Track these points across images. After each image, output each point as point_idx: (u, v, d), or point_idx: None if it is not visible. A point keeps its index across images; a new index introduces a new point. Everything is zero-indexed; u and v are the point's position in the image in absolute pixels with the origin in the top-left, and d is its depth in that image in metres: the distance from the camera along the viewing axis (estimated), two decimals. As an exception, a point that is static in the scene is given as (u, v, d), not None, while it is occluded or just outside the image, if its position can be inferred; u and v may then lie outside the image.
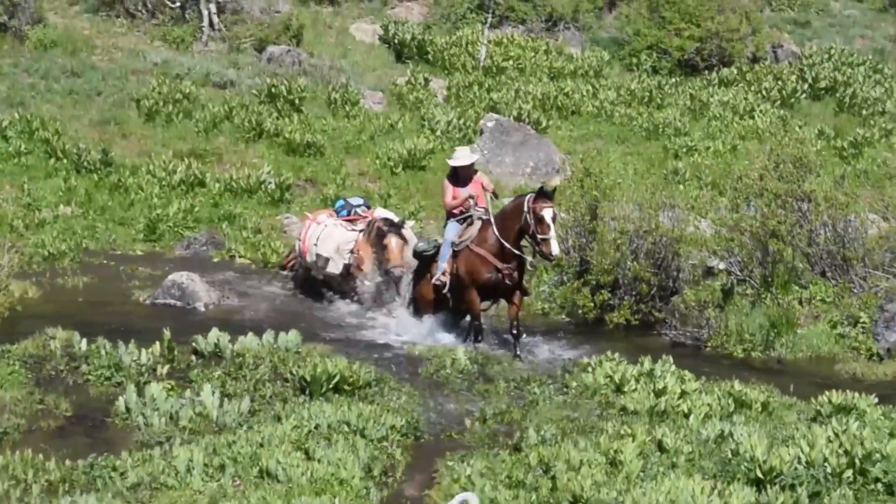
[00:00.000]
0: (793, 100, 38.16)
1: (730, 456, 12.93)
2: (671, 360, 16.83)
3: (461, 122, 32.40)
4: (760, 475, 12.24)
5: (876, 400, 15.36)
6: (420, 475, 13.12)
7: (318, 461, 12.47)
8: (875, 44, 45.33)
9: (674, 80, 39.20)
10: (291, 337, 16.81)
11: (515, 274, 18.55)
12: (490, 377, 16.76)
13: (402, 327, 19.62)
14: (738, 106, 36.59)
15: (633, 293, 21.30)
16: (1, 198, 25.44)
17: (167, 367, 15.69)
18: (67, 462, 12.24)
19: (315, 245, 21.01)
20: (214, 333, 16.42)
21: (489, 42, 39.22)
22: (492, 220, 18.59)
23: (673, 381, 16.04)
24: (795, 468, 12.32)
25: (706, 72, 40.49)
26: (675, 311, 20.84)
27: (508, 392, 16.14)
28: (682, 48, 40.82)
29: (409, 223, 21.67)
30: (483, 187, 19.36)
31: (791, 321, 20.48)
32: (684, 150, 32.89)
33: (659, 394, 15.69)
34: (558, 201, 19.41)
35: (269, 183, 27.42)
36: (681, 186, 28.79)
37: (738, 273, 22.24)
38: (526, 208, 17.99)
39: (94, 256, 23.47)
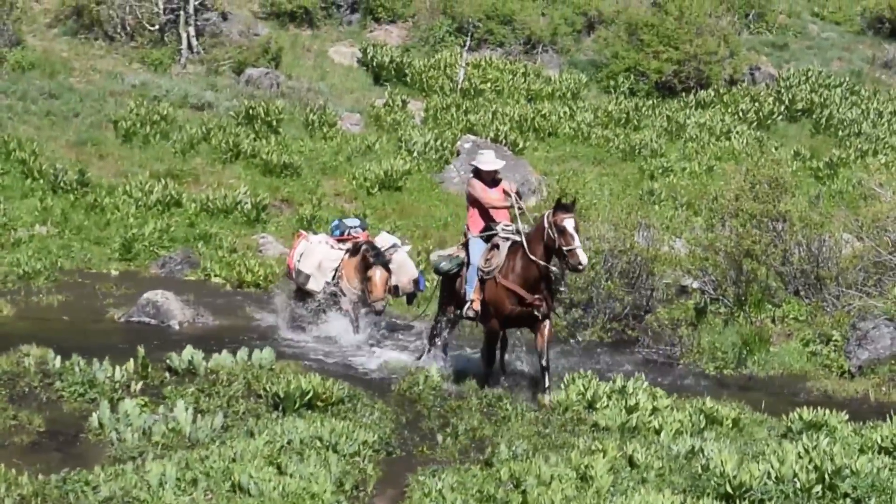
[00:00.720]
0: (769, 121, 38.47)
1: (700, 471, 12.97)
2: (643, 377, 16.88)
3: (438, 143, 32.58)
4: (730, 490, 12.26)
5: (847, 417, 15.42)
6: (391, 489, 13.13)
7: (291, 476, 12.47)
8: (852, 66, 45.68)
9: (651, 101, 39.49)
10: (265, 354, 16.80)
11: (545, 306, 17.06)
12: (462, 394, 16.77)
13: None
14: (715, 127, 36.87)
15: (607, 311, 21.39)
16: (-23, 218, 25.48)
17: (141, 383, 15.66)
18: (40, 476, 12.18)
19: (298, 261, 20.86)
20: (188, 351, 16.40)
21: (467, 64, 39.42)
22: (524, 241, 16.91)
23: (645, 397, 16.08)
24: (765, 483, 12.34)
25: (683, 94, 40.79)
26: (649, 329, 20.95)
27: (480, 408, 16.14)
28: (660, 70, 41.10)
29: (407, 247, 21.58)
30: (506, 193, 17.79)
31: (764, 339, 20.57)
32: (660, 170, 33.12)
33: (631, 410, 15.72)
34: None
35: (246, 203, 27.53)
36: (656, 207, 29.00)
37: (712, 292, 22.36)
38: (547, 223, 16.54)
39: (70, 275, 23.55)
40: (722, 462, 12.66)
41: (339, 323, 20.27)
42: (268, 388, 15.55)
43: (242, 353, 16.77)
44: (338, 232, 21.36)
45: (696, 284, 22.87)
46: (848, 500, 12.31)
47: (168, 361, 16.31)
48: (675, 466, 13.37)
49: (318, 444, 13.70)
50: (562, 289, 18.09)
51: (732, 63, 42.65)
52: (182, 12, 37.60)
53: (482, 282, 17.31)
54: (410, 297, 21.39)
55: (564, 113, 36.94)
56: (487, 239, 17.54)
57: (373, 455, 13.95)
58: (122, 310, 21.27)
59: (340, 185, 30.39)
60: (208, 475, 12.41)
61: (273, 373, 16.33)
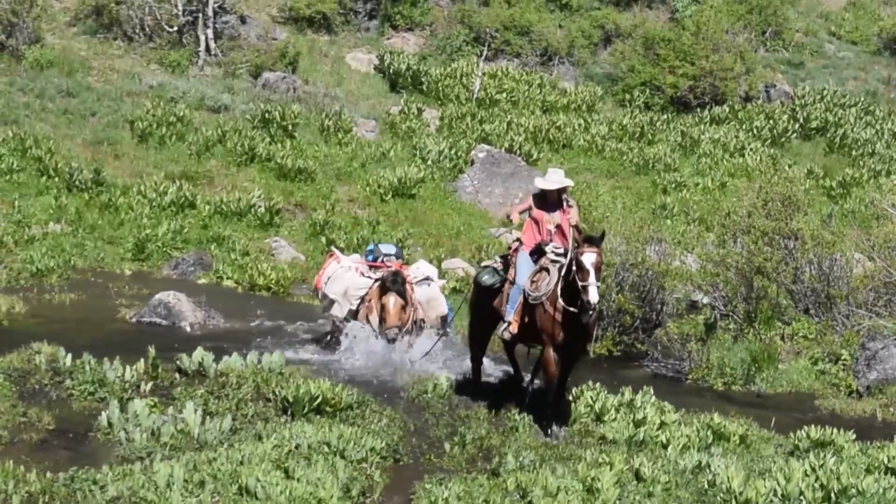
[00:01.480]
0: (784, 139, 38.45)
1: (706, 487, 13.01)
2: (652, 391, 16.91)
3: (452, 151, 32.61)
4: (736, 506, 12.33)
5: (854, 436, 15.48)
6: (398, 497, 13.17)
7: (298, 480, 12.50)
8: (868, 86, 45.61)
9: (666, 116, 39.48)
10: (275, 358, 16.84)
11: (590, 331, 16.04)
12: (471, 403, 16.76)
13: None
14: (729, 144, 36.85)
15: (617, 325, 21.42)
16: (-8, 214, 25.57)
17: (151, 384, 15.71)
18: (48, 474, 12.24)
19: (325, 284, 19.94)
20: (199, 352, 16.43)
21: (483, 74, 39.43)
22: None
23: (653, 411, 16.12)
24: (771, 501, 12.40)
25: (698, 109, 40.77)
26: (658, 343, 20.98)
27: (489, 418, 16.16)
28: (676, 85, 41.07)
29: (440, 282, 20.64)
30: (567, 220, 16.52)
31: (772, 356, 20.58)
32: (673, 185, 33.12)
33: (638, 424, 15.76)
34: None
35: (259, 206, 27.57)
36: (668, 221, 29.00)
37: (722, 308, 22.38)
38: (571, 255, 15.57)
39: (82, 274, 23.61)
40: (728, 478, 12.71)
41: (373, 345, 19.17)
42: (277, 392, 15.59)
43: (252, 356, 16.81)
44: (371, 257, 20.29)
45: (706, 300, 22.92)
46: (853, 519, 12.37)
47: (178, 363, 16.35)
48: (681, 481, 13.38)
49: (326, 449, 13.75)
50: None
51: (748, 80, 42.62)
52: (201, 14, 37.64)
53: (529, 304, 16.14)
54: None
55: (579, 125, 36.97)
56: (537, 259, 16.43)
57: (380, 462, 13.98)
58: (134, 310, 21.32)
59: (354, 191, 30.43)
60: (216, 477, 12.45)
61: (282, 377, 16.36)
